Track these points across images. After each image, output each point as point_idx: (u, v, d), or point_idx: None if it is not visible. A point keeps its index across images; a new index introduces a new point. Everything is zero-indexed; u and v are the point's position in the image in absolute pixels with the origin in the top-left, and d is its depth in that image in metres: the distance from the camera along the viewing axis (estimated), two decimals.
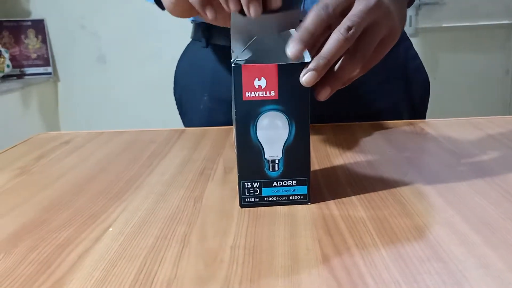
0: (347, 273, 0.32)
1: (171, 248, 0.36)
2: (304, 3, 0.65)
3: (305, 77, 0.40)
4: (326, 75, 0.41)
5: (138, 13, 2.15)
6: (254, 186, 0.43)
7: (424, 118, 0.78)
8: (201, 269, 0.33)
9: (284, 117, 0.41)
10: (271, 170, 0.42)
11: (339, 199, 0.44)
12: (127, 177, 0.53)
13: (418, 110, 0.77)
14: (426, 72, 0.78)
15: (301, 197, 0.43)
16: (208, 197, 0.46)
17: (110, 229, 0.40)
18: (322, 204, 0.43)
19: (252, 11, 0.41)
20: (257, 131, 0.41)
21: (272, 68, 0.40)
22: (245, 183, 0.43)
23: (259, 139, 0.41)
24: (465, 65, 2.18)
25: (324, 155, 0.57)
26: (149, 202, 0.46)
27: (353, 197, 0.44)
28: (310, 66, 0.40)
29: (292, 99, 0.41)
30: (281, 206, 0.43)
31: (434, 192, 0.44)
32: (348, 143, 0.60)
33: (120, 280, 0.33)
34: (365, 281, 0.31)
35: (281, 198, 0.43)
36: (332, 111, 0.61)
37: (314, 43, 0.42)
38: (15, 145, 0.69)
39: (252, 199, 0.43)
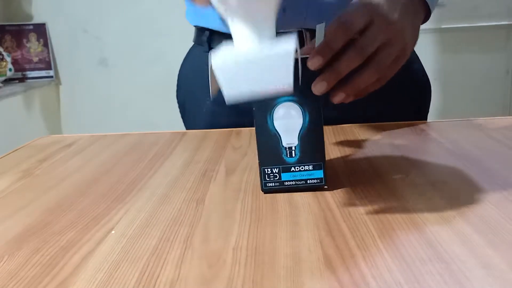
0: (349, 274, 0.32)
1: (174, 250, 0.37)
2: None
3: (317, 87, 0.44)
4: (343, 81, 0.46)
5: (140, 17, 2.15)
6: (274, 171, 0.46)
7: (426, 120, 0.78)
8: (204, 270, 0.34)
9: (298, 107, 0.44)
10: (288, 156, 0.45)
11: (340, 201, 0.44)
12: (130, 179, 0.53)
13: (420, 114, 0.77)
14: (427, 75, 0.78)
15: (318, 180, 0.46)
16: (210, 199, 0.46)
17: (113, 232, 0.40)
18: (323, 205, 0.43)
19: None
20: (274, 121, 0.44)
21: None
22: (266, 169, 0.46)
23: (276, 128, 0.45)
24: (465, 66, 2.18)
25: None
26: (152, 204, 0.46)
27: (354, 199, 0.44)
28: (322, 77, 0.45)
29: (305, 90, 0.44)
30: (283, 206, 0.43)
31: (435, 193, 0.44)
32: (349, 144, 0.61)
33: (123, 282, 0.33)
34: (367, 282, 0.31)
35: (299, 182, 0.46)
36: (333, 114, 0.62)
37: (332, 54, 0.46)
38: (18, 148, 0.69)
39: (273, 183, 0.46)
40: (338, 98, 0.47)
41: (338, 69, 0.45)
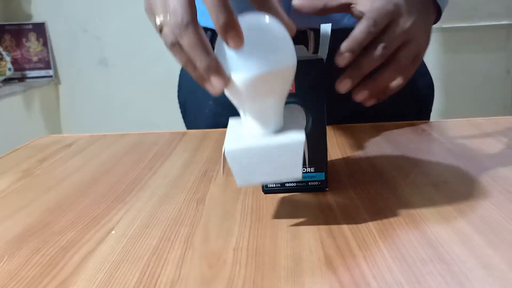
0: (350, 274, 0.32)
1: (174, 250, 0.37)
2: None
3: (341, 85, 0.48)
4: (365, 79, 0.49)
5: (140, 16, 2.15)
6: None
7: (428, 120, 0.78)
8: (204, 270, 0.33)
9: (301, 109, 0.43)
10: None
11: (341, 201, 0.44)
12: (130, 179, 0.53)
13: (421, 115, 0.77)
14: (430, 76, 0.78)
15: (319, 183, 0.46)
16: (211, 199, 0.46)
17: (113, 232, 0.40)
18: (324, 206, 0.43)
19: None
20: None
21: None
22: None
23: None
24: (466, 66, 2.18)
25: None
26: (152, 204, 0.46)
27: (355, 199, 0.44)
28: (347, 74, 0.48)
29: (309, 92, 0.43)
30: (283, 207, 0.43)
31: (436, 193, 0.44)
32: (349, 145, 0.61)
33: (123, 282, 0.33)
34: (368, 282, 0.31)
35: (301, 184, 0.46)
36: (336, 113, 0.62)
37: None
38: (18, 148, 0.69)
39: (274, 185, 0.46)
40: (361, 96, 0.49)
41: (362, 66, 0.47)
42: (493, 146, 0.57)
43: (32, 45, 2.27)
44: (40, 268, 0.35)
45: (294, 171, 0.37)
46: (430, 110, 0.80)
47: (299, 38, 0.60)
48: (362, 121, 0.71)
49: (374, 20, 0.47)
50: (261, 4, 0.37)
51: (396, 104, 0.74)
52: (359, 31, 0.47)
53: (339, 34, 0.59)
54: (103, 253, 0.37)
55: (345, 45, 0.47)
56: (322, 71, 0.43)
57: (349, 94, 0.50)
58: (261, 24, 0.35)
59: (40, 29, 2.26)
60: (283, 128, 0.39)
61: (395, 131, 0.65)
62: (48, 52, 2.28)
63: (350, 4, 0.51)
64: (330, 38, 0.50)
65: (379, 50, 0.48)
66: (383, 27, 0.48)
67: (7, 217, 0.45)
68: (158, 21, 0.36)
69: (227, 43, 0.34)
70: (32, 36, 2.27)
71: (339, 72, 0.54)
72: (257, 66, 0.34)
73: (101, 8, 2.22)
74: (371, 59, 0.48)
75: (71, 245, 0.38)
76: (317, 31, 0.66)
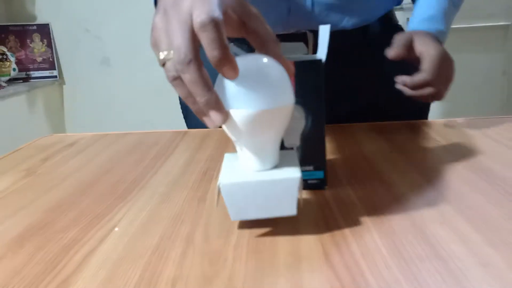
0: (348, 271, 0.32)
1: (176, 248, 0.37)
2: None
3: (399, 79, 0.61)
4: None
5: (142, 16, 2.16)
6: None
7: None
8: (205, 268, 0.34)
9: (301, 108, 0.44)
10: None
11: (340, 199, 0.44)
12: (132, 178, 0.53)
13: (421, 114, 0.77)
14: None
15: (318, 181, 0.46)
16: (211, 198, 0.46)
17: (116, 229, 0.41)
18: (323, 204, 0.43)
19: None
20: None
21: None
22: None
23: None
24: (462, 66, 2.17)
25: None
26: (153, 202, 0.46)
27: (354, 197, 0.44)
28: (404, 79, 0.61)
29: (308, 92, 0.44)
30: None
31: (434, 192, 0.44)
32: (348, 144, 0.61)
33: (125, 280, 0.33)
34: (366, 279, 0.31)
35: None
36: (335, 113, 0.62)
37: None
38: (21, 147, 0.70)
39: None
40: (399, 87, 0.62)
41: (412, 93, 0.60)
42: (490, 145, 0.57)
43: (36, 46, 2.28)
44: (43, 266, 0.36)
45: (288, 207, 0.37)
46: (428, 110, 0.80)
47: (299, 40, 0.60)
48: (361, 121, 0.72)
49: (432, 73, 0.58)
50: (261, 46, 0.38)
51: (395, 104, 0.74)
52: (419, 79, 0.59)
53: (338, 35, 0.59)
54: (105, 251, 0.37)
55: (405, 79, 0.60)
56: (322, 72, 0.44)
57: (348, 94, 0.51)
58: (260, 64, 0.37)
59: (44, 30, 2.27)
60: (279, 164, 0.39)
61: (394, 131, 0.66)
62: (52, 53, 2.29)
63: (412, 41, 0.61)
64: (329, 40, 0.50)
65: (428, 90, 0.60)
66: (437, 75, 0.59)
67: (9, 216, 0.45)
68: (161, 56, 0.37)
69: (223, 75, 0.35)
70: (36, 37, 2.28)
71: (339, 72, 0.54)
72: (256, 103, 0.35)
73: (104, 8, 2.23)
74: (422, 95, 0.60)
75: (73, 243, 0.39)
76: (316, 32, 0.66)
